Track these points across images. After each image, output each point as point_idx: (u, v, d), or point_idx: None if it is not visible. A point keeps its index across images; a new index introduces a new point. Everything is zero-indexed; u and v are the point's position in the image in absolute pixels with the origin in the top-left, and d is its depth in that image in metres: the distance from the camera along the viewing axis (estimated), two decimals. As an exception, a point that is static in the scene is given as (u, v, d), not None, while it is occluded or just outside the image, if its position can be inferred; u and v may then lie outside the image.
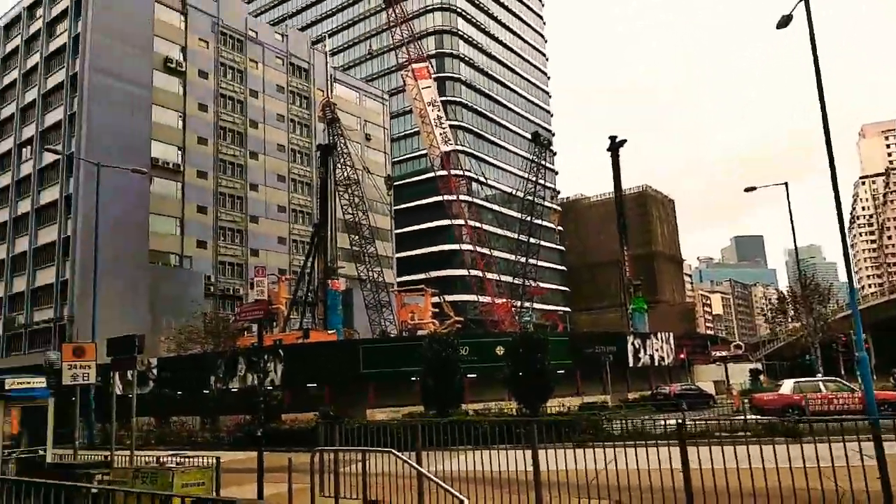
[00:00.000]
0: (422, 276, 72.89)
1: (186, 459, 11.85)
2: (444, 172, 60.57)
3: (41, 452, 11.77)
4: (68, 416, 16.14)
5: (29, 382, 11.73)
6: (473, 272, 63.10)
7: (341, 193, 54.73)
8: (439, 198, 65.16)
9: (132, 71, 53.48)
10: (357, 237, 55.84)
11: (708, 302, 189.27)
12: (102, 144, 48.15)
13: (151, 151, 53.88)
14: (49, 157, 53.32)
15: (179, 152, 57.40)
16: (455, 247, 72.44)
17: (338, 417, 21.69)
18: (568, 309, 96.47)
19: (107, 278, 41.31)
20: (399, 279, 75.33)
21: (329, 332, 47.14)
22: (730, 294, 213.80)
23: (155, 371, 41.44)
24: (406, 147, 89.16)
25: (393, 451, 7.50)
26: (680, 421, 7.90)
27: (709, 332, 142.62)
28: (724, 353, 47.20)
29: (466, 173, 70.92)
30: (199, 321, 47.64)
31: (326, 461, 8.24)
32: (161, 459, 11.67)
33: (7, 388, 11.43)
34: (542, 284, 71.09)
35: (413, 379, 33.92)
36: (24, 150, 57.94)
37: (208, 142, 59.82)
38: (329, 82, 72.11)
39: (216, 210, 60.00)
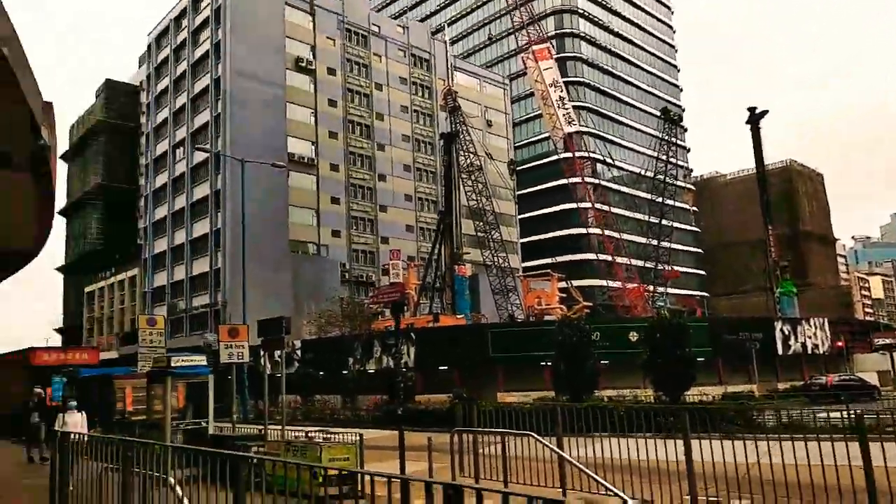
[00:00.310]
0: (547, 260, 71.91)
1: (332, 435, 12.41)
2: (567, 155, 59.23)
3: (204, 424, 12.82)
4: (225, 392, 17.49)
5: (192, 360, 12.80)
6: (602, 256, 61.42)
7: (465, 180, 55.12)
8: (563, 181, 63.86)
9: (268, 72, 56.96)
10: (481, 223, 56.05)
11: (866, 285, 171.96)
12: (245, 142, 51.61)
13: (288, 147, 57.20)
14: (199, 157, 58.08)
15: (313, 147, 60.44)
16: (581, 230, 70.72)
17: (472, 399, 21.94)
18: (705, 293, 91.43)
19: (253, 266, 44.33)
20: (524, 264, 74.84)
21: (458, 316, 47.76)
22: (892, 276, 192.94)
23: (299, 352, 43.99)
24: (528, 131, 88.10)
25: (533, 434, 7.37)
26: (857, 412, 7.10)
27: (868, 317, 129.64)
28: (889, 341, 42.59)
29: (591, 155, 68.97)
30: (337, 306, 50.23)
31: (465, 441, 8.27)
32: (309, 434, 12.33)
33: (174, 365, 12.51)
34: (676, 268, 67.72)
35: (542, 364, 33.64)
36: (177, 150, 63.45)
37: (338, 135, 62.47)
38: (450, 71, 72.68)
39: (348, 201, 62.61)
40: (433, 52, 73.16)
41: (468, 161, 54.67)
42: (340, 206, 62.15)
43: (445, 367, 37.93)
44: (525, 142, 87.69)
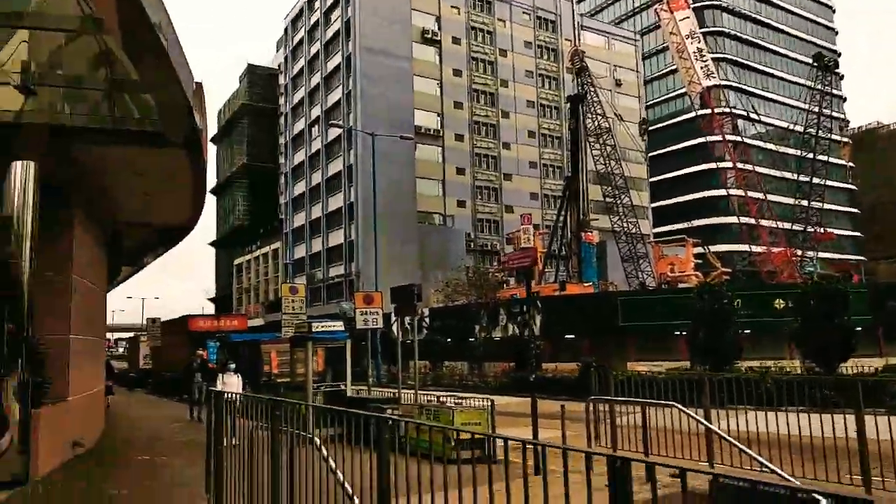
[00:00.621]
0: (681, 225, 68.35)
1: (462, 400, 12.57)
2: (706, 111, 55.46)
3: (342, 387, 13.45)
4: (360, 357, 18.34)
5: (331, 326, 13.43)
6: (743, 219, 57.31)
7: (592, 144, 53.32)
8: (700, 139, 60.00)
9: (395, 46, 58.01)
10: (610, 188, 54.14)
11: None
12: (374, 117, 53.09)
13: (415, 120, 58.16)
14: (332, 134, 60.59)
15: (438, 118, 61.03)
16: (719, 192, 66.27)
17: (603, 368, 21.47)
18: (861, 257, 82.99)
19: (383, 237, 46.00)
20: (655, 230, 71.67)
21: (585, 284, 46.73)
22: None
23: (427, 320, 45.12)
24: (661, 89, 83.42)
25: (677, 405, 6.97)
26: None
27: None
28: None
29: (732, 110, 64.08)
30: (463, 275, 50.92)
31: (601, 410, 8.02)
32: (441, 399, 12.57)
33: (314, 331, 13.19)
34: (828, 230, 61.87)
35: (676, 333, 32.20)
36: (312, 129, 66.52)
37: (463, 105, 62.58)
38: (576, 31, 70.14)
39: (473, 170, 62.83)
40: (559, 13, 70.87)
41: (596, 123, 52.78)
42: (465, 176, 62.52)
43: (573, 336, 37.37)
44: (657, 100, 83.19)
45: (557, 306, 39.11)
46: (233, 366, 12.89)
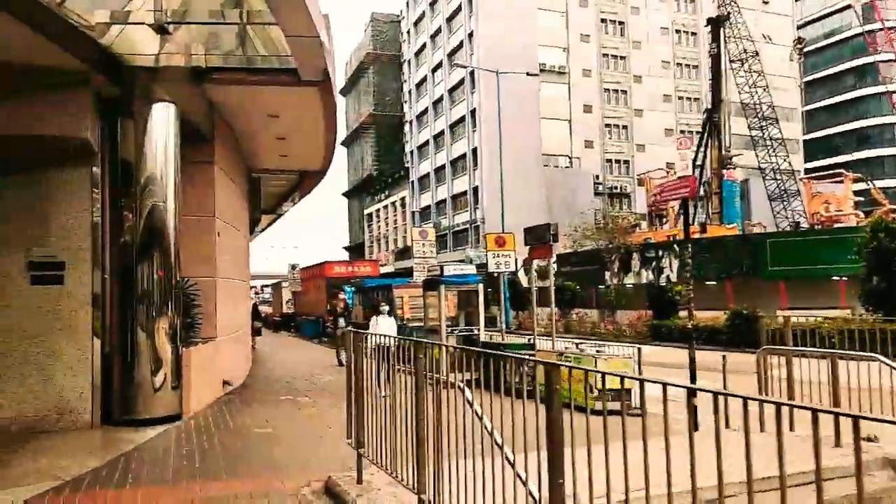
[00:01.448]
0: (838, 159, 61.64)
1: (602, 348, 11.82)
2: (872, 26, 48.71)
3: (475, 331, 13.12)
4: (489, 303, 17.94)
5: (463, 269, 13.06)
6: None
7: (735, 71, 48.72)
8: (863, 59, 53.03)
9: (517, -21, 55.58)
10: (756, 119, 49.48)
11: None
12: (498, 57, 51.57)
13: (539, 57, 55.86)
14: (455, 78, 59.69)
15: (564, 53, 58.29)
16: (886, 119, 58.80)
17: (756, 316, 19.77)
18: None
19: (508, 182, 45.08)
20: (807, 165, 65.19)
21: (728, 226, 43.52)
22: None
23: (555, 265, 44.14)
24: (815, 4, 74.38)
25: (879, 357, 5.85)
26: None
27: None
28: None
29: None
30: (591, 219, 49.11)
31: (773, 363, 7.00)
32: (579, 346, 11.90)
33: (447, 274, 12.86)
34: None
35: (835, 278, 29.36)
36: (435, 74, 65.96)
37: (590, 38, 59.26)
38: (715, -54, 63.59)
39: (601, 107, 59.85)
40: (694, -74, 64.68)
41: (740, 48, 48.04)
42: (593, 114, 59.73)
43: (714, 282, 34.99)
44: (811, 18, 74.42)
45: (698, 250, 36.72)
46: (386, 308, 12.56)
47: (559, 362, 3.44)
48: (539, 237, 11.72)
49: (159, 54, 8.75)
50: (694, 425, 3.44)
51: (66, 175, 8.24)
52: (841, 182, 52.14)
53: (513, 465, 4.04)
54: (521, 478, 4.01)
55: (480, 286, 13.16)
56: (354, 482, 5.53)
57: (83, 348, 8.19)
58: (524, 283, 42.42)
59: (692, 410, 3.83)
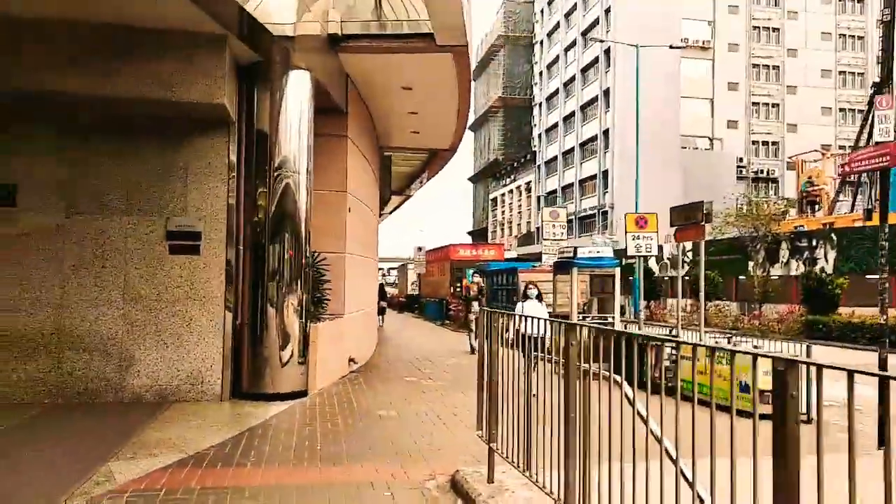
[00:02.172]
0: None
1: (756, 344, 10.47)
2: None
3: (609, 320, 12.12)
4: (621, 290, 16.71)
5: (598, 252, 12.09)
6: None
7: (914, 39, 42.81)
8: None
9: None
10: (937, 94, 43.38)
11: None
12: (636, 33, 48.86)
13: (681, 32, 52.36)
14: (588, 57, 57.41)
15: (709, 26, 54.30)
16: None
17: None
18: None
19: (642, 164, 42.69)
20: None
21: (898, 214, 38.56)
22: None
23: (689, 254, 41.52)
24: None
25: None
26: None
27: None
28: None
29: None
30: (732, 204, 45.52)
31: None
32: (732, 340, 10.60)
33: (580, 256, 11.96)
34: None
35: None
36: (568, 53, 63.88)
37: (739, 9, 54.72)
38: None
39: (748, 84, 55.28)
40: None
41: (919, 13, 42.09)
42: (738, 91, 55.30)
43: (876, 276, 31.07)
44: None
45: (859, 239, 32.87)
46: (534, 291, 10.41)
47: (797, 359, 2.56)
48: (689, 217, 10.51)
49: (297, 21, 8.56)
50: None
51: (204, 143, 8.26)
52: None
53: (692, 485, 3.26)
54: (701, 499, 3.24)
55: (617, 270, 12.13)
56: (484, 480, 4.93)
57: (216, 320, 8.22)
58: (656, 271, 40.16)
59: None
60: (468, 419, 7.47)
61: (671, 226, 11.11)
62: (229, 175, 8.32)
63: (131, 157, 8.16)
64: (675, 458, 3.24)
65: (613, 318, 12.14)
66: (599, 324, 12.34)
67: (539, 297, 10.32)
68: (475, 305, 14.58)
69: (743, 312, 31.59)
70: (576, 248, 12.10)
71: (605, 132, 55.22)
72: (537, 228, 69.78)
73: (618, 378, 3.68)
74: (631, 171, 33.85)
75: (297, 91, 8.58)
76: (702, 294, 10.63)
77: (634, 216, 12.39)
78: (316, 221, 10.01)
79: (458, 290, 30.15)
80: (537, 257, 36.73)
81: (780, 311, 26.41)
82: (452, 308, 25.38)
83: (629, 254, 12.43)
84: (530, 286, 10.47)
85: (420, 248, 33.20)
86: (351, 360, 11.17)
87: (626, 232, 12.37)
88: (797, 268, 35.62)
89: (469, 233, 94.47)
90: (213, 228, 8.26)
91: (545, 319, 4.38)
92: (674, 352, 10.45)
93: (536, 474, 4.33)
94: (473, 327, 14.19)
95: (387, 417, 7.56)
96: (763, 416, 2.65)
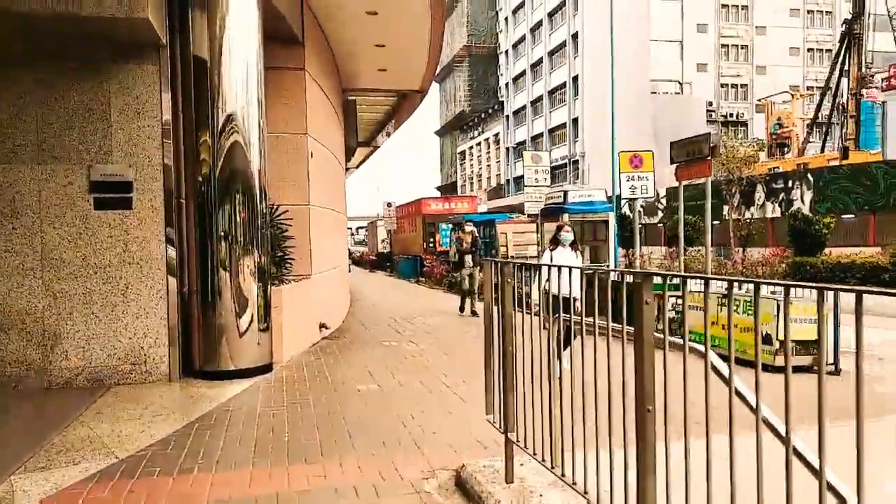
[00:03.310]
0: None
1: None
2: None
3: (605, 268, 11.12)
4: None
5: (590, 196, 10.99)
6: None
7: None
8: None
9: None
10: (906, 29, 42.92)
11: None
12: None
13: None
14: (555, 1, 55.47)
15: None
16: None
17: None
18: None
19: (611, 111, 41.53)
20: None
21: (871, 152, 38.53)
22: None
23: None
24: None
25: None
26: None
27: None
28: None
29: None
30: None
31: None
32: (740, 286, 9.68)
33: (570, 200, 10.86)
34: None
35: None
36: (533, -2, 61.80)
37: (707, -53, 53.26)
38: None
39: (717, 26, 54.14)
40: None
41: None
42: (708, 34, 54.22)
43: (853, 216, 31.03)
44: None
45: (835, 179, 32.49)
46: (569, 235, 7.69)
47: (653, 272, 1.73)
48: (692, 151, 9.41)
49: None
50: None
51: (130, 73, 6.78)
52: None
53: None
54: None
55: (612, 215, 11.07)
56: (501, 479, 3.84)
57: (157, 287, 6.90)
58: (633, 218, 39.63)
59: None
60: (463, 391, 6.39)
61: (672, 162, 10.04)
62: (162, 111, 6.89)
63: (41, 93, 6.66)
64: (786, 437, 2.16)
65: (608, 266, 11.14)
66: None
67: (574, 245, 7.77)
68: (468, 259, 12.74)
69: (720, 257, 31.19)
70: (566, 192, 10.99)
71: (575, 79, 53.87)
72: (507, 181, 68.61)
73: (701, 349, 2.58)
74: (602, 119, 32.80)
75: (242, 8, 7.12)
76: (707, 240, 9.65)
77: (629, 154, 11.27)
78: (274, 169, 8.66)
79: (432, 245, 28.99)
80: (509, 210, 35.65)
81: (764, 254, 25.85)
82: (427, 265, 24.23)
83: (624, 195, 11.35)
84: (565, 229, 7.66)
85: (390, 204, 31.81)
86: (322, 325, 9.98)
87: (619, 172, 11.26)
88: (773, 210, 35.34)
89: (438, 188, 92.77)
90: (146, 177, 6.87)
91: (593, 270, 3.22)
92: (678, 301, 9.51)
93: (573, 474, 3.25)
94: (466, 286, 12.68)
95: (367, 393, 6.42)
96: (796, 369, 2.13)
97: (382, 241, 42.11)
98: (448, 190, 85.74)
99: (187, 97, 7.08)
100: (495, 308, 4.01)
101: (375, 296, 18.26)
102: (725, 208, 35.15)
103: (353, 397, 6.26)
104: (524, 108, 64.41)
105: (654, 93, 53.30)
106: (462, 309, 12.80)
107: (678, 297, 9.55)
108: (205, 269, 7.08)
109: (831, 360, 7.88)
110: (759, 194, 35.93)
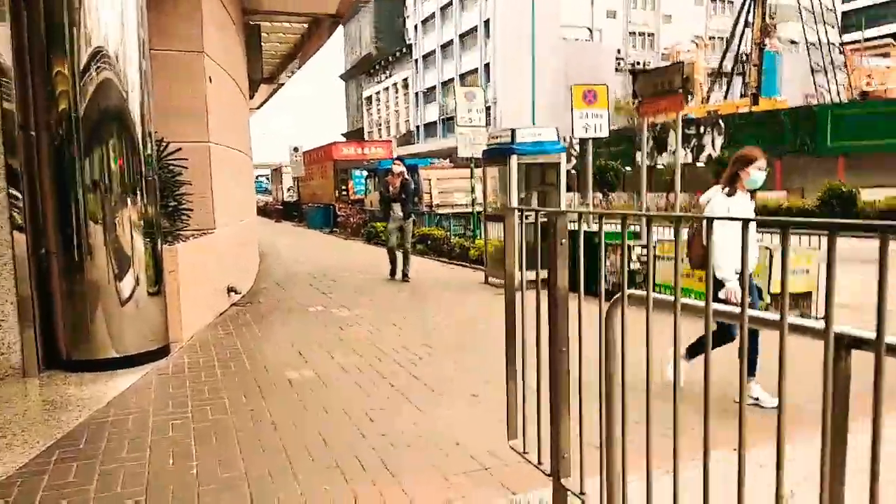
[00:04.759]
0: (872, 32, 56.78)
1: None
2: None
3: (556, 217, 9.94)
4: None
5: (539, 135, 9.67)
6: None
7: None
8: None
9: None
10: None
11: None
12: None
13: None
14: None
15: None
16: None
17: (854, 196, 16.81)
18: None
19: (522, 57, 40.75)
20: (849, 36, 59.93)
21: (778, 99, 39.75)
22: None
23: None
24: None
25: None
26: None
27: None
28: None
29: None
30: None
31: None
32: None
33: (519, 141, 9.51)
34: None
35: None
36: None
37: None
38: None
39: (628, -30, 53.79)
40: None
41: None
42: (618, -22, 53.76)
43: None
44: None
45: (745, 125, 33.10)
46: (761, 173, 4.29)
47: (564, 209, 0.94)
48: (661, 84, 8.25)
49: None
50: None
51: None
52: (886, 55, 48.11)
53: None
54: None
55: (563, 157, 9.85)
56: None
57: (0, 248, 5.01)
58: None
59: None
60: (429, 375, 5.00)
61: (635, 97, 8.87)
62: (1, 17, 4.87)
63: None
64: None
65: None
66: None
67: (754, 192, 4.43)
68: (397, 209, 10.23)
69: (634, 202, 31.32)
70: (514, 131, 9.61)
71: (487, 22, 52.15)
72: (417, 127, 66.57)
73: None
74: (515, 64, 31.59)
75: None
76: (677, 183, 8.64)
77: (582, 88, 10.02)
78: (161, 96, 6.74)
79: (345, 193, 27.07)
80: (422, 157, 34.06)
81: (685, 200, 25.90)
82: (342, 214, 22.43)
83: (576, 135, 10.13)
84: (758, 162, 4.23)
85: (296, 149, 29.38)
86: (231, 289, 8.25)
87: (572, 109, 9.99)
88: (685, 156, 35.75)
89: (343, 135, 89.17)
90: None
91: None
92: (643, 250, 8.50)
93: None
94: (395, 243, 10.26)
95: (302, 384, 4.90)
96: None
97: (289, 188, 39.52)
98: (355, 136, 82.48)
99: (34, 13, 5.06)
100: (517, 296, 2.59)
101: (288, 249, 16.42)
102: (638, 154, 35.34)
103: (282, 391, 4.73)
104: (434, 52, 62.12)
105: (566, 39, 52.57)
106: (393, 273, 10.47)
107: (643, 246, 8.57)
108: (67, 223, 5.21)
109: (822, 315, 7.12)
110: (672, 140, 36.16)
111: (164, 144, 6.74)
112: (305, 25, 14.77)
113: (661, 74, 8.43)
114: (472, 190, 13.43)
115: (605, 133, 10.03)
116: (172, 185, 6.80)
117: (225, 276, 8.11)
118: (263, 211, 36.35)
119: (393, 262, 10.47)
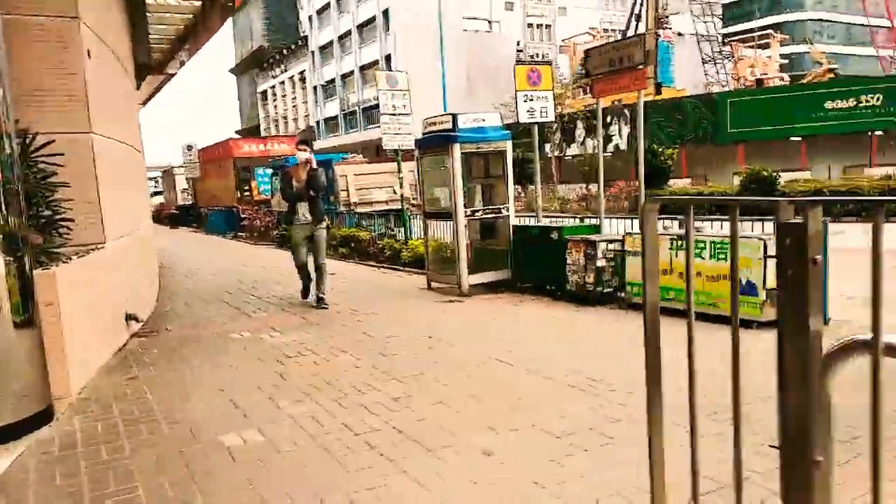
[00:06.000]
0: (752, 24, 60.54)
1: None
2: None
3: (504, 213, 8.98)
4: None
5: (483, 120, 8.66)
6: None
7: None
8: None
9: None
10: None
11: None
12: None
13: None
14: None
15: None
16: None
17: (775, 180, 17.06)
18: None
19: (424, 49, 39.89)
20: (730, 29, 63.41)
21: (677, 88, 40.97)
22: None
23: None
24: None
25: None
26: None
27: None
28: None
29: None
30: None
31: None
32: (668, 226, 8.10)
33: (462, 127, 8.46)
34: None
35: (794, 139, 28.16)
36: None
37: None
38: None
39: (525, -38, 54.03)
40: None
41: None
42: (515, -31, 53.92)
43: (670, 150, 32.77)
44: None
45: (649, 114, 33.69)
46: None
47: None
48: (618, 59, 7.43)
49: None
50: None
51: None
52: (767, 46, 51.05)
53: None
54: None
55: (509, 144, 8.90)
56: None
57: None
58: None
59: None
60: (416, 426, 3.82)
61: (588, 75, 8.04)
62: None
63: None
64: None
65: (507, 210, 9.02)
66: (491, 219, 9.11)
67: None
68: (302, 210, 7.74)
69: (547, 194, 31.13)
70: (455, 116, 8.54)
71: (385, 12, 50.76)
72: (318, 122, 64.16)
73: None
74: (416, 55, 30.63)
75: None
76: (537, 184, 7.81)
77: (525, 69, 9.09)
78: (20, 73, 5.16)
79: (248, 193, 25.07)
80: (336, 153, 32.32)
81: (613, 188, 25.77)
82: (247, 217, 20.52)
83: (521, 120, 9.20)
84: None
85: (190, 147, 26.93)
86: (130, 317, 6.67)
87: (516, 91, 9.05)
88: (594, 146, 36.01)
89: (238, 132, 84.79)
90: None
91: None
92: (612, 246, 7.69)
93: None
94: (303, 258, 7.91)
95: (248, 452, 3.60)
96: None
97: (183, 191, 36.57)
98: (250, 133, 78.61)
99: None
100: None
101: (190, 259, 14.57)
102: (547, 146, 35.31)
103: (222, 470, 3.40)
104: (331, 43, 59.93)
105: (466, 30, 52.18)
106: (305, 294, 8.23)
107: (609, 241, 7.74)
108: None
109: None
110: (580, 131, 36.40)
111: (31, 136, 5.16)
112: (197, 3, 13.02)
113: (617, 49, 7.62)
114: (401, 185, 12.23)
115: (550, 118, 9.17)
116: (45, 190, 5.22)
117: (121, 302, 6.53)
118: (156, 217, 33.39)
119: (305, 279, 8.16)
